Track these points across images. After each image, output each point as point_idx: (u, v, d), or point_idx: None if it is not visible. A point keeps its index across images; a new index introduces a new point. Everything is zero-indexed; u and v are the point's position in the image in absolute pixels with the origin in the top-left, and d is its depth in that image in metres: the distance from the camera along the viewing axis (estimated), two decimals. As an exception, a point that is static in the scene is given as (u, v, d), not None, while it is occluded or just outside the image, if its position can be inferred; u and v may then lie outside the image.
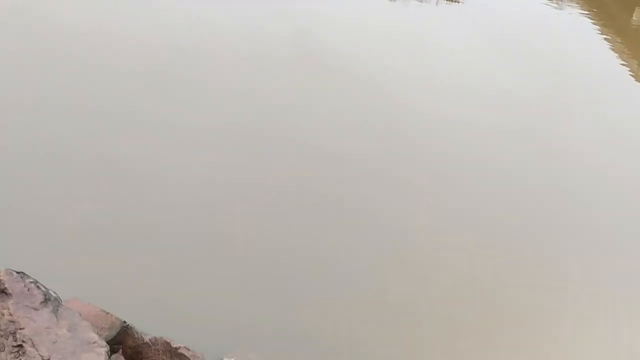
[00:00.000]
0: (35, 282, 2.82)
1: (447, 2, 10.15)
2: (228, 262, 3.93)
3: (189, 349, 3.12)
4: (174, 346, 3.10)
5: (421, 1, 9.88)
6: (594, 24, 9.58)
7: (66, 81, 5.34)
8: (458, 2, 10.27)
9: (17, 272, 2.81)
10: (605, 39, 9.08)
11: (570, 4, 10.26)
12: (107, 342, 2.70)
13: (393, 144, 5.33)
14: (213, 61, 6.19)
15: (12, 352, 2.43)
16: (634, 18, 10.13)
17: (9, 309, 2.60)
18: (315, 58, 6.56)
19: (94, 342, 2.60)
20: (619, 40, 9.02)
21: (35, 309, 2.65)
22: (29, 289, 2.73)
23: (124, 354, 3.09)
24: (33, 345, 2.48)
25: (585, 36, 9.37)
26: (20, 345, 2.48)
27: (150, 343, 3.13)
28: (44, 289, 2.79)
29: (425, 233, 4.45)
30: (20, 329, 2.54)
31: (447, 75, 7.06)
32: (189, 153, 4.72)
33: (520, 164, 5.55)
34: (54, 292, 2.82)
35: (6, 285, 2.69)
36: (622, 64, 8.33)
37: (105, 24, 6.40)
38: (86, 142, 4.59)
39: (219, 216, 4.25)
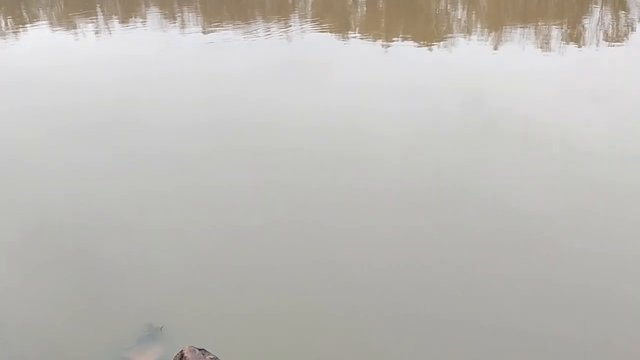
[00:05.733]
0: (216, 358, 3.13)
1: (609, 44, 9.68)
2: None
3: None
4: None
5: (580, 46, 9.52)
6: None
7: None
8: (621, 44, 9.75)
9: (199, 349, 3.15)
10: None
11: None
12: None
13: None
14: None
15: None
16: None
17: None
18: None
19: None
20: None
21: (216, 384, 2.94)
22: (210, 365, 3.03)
23: None
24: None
25: None
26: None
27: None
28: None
29: None
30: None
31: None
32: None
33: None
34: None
35: (189, 362, 3.01)
36: None
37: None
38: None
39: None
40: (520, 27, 11.02)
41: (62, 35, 11.88)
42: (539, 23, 11.17)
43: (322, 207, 4.82)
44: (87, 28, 12.40)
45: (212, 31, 11.61)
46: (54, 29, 12.66)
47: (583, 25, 11.13)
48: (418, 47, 9.97)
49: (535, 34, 10.41)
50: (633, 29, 10.84)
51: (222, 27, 11.97)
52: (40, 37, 11.90)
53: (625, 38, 10.26)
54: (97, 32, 12.02)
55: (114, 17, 14.14)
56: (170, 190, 5.16)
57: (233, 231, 4.47)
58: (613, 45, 9.69)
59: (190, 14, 14.05)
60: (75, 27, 12.56)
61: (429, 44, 10.11)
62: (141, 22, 13.22)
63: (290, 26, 11.80)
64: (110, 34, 11.88)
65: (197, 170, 5.53)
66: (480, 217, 4.60)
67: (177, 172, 5.50)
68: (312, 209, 4.78)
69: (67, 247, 4.40)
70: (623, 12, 12.42)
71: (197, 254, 4.30)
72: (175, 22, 12.88)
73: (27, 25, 13.25)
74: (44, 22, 13.60)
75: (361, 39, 10.70)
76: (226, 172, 5.47)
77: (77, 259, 4.28)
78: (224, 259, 4.27)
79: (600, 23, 11.24)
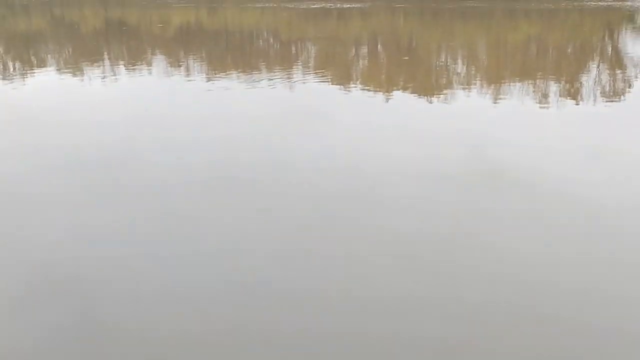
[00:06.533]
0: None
1: (606, 101, 9.81)
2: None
3: None
4: None
5: (577, 102, 9.64)
6: None
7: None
8: (618, 100, 9.87)
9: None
10: None
11: None
12: None
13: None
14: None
15: None
16: None
17: None
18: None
19: None
20: None
21: None
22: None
23: None
24: None
25: None
26: None
27: None
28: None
29: None
30: None
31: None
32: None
33: None
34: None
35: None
36: None
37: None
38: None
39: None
40: (519, 82, 11.21)
41: (68, 79, 12.11)
42: (538, 79, 11.36)
43: (328, 256, 4.77)
44: (93, 73, 12.65)
45: (216, 79, 11.81)
46: (61, 73, 12.90)
47: (581, 82, 11.32)
48: (418, 98, 10.11)
49: (534, 89, 10.57)
50: (630, 86, 11.01)
51: (226, 75, 12.19)
52: (47, 80, 12.13)
53: (622, 95, 10.41)
54: (103, 77, 12.24)
55: (120, 62, 14.43)
56: (171, 231, 5.14)
57: (233, 286, 4.39)
58: (611, 102, 9.82)
59: (195, 62, 14.33)
60: (82, 72, 12.81)
61: (429, 96, 10.26)
62: (147, 68, 13.48)
63: (293, 76, 12.01)
64: (116, 78, 12.10)
65: (199, 211, 5.52)
66: (481, 283, 4.51)
67: (181, 212, 5.49)
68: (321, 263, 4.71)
69: (67, 291, 4.36)
70: (620, 69, 12.66)
71: (197, 300, 4.24)
72: (180, 70, 13.13)
73: (35, 69, 13.52)
74: (51, 66, 13.88)
75: (362, 89, 10.87)
76: (226, 215, 5.46)
77: (76, 306, 4.23)
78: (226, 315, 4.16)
79: (597, 80, 11.43)
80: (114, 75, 12.48)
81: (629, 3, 28.60)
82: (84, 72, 12.84)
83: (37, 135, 7.90)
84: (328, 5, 30.30)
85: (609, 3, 28.76)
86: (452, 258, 4.65)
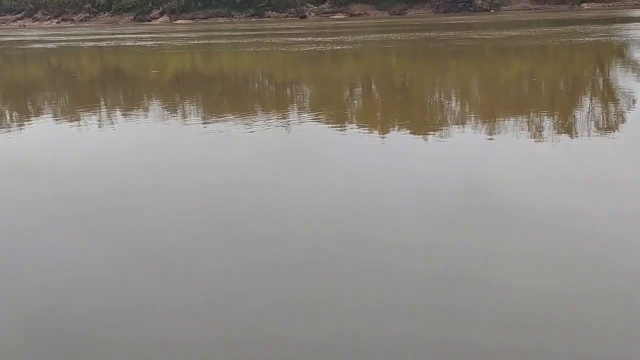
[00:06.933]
0: None
1: (600, 134, 9.87)
2: None
3: None
4: None
5: (572, 137, 9.70)
6: None
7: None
8: (613, 133, 9.94)
9: None
10: None
11: None
12: None
13: None
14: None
15: None
16: None
17: None
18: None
19: None
20: None
21: None
22: None
23: None
24: None
25: None
26: None
27: None
28: None
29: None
30: None
31: None
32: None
33: None
34: None
35: None
36: None
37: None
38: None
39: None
40: (514, 117, 11.29)
41: (65, 127, 12.16)
42: (531, 114, 11.45)
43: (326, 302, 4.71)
44: (90, 120, 12.71)
45: (212, 122, 11.88)
46: (58, 120, 12.97)
47: (575, 116, 11.42)
48: (414, 137, 10.16)
49: (529, 124, 10.65)
50: (623, 119, 11.11)
51: (222, 118, 12.26)
52: (44, 128, 12.17)
53: (616, 128, 10.49)
54: (99, 124, 12.31)
55: (117, 109, 14.53)
56: (170, 280, 5.08)
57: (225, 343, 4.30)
58: (605, 135, 9.88)
59: (191, 107, 14.44)
60: (78, 119, 12.87)
61: (424, 134, 10.32)
62: (143, 114, 13.56)
63: (288, 118, 12.09)
64: (112, 125, 12.16)
65: (194, 257, 5.46)
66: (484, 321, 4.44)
67: (178, 259, 5.44)
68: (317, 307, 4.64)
69: (65, 340, 4.28)
70: (612, 102, 12.79)
71: (193, 345, 4.17)
72: (176, 114, 13.21)
73: (32, 117, 13.59)
74: (48, 114, 13.95)
75: (358, 129, 10.93)
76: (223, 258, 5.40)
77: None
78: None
79: (591, 113, 11.53)
80: (110, 122, 12.54)
81: (615, 38, 29.11)
82: (81, 119, 12.91)
83: (32, 185, 7.88)
84: (319, 47, 30.75)
85: (596, 38, 29.27)
86: (451, 300, 4.58)
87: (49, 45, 42.82)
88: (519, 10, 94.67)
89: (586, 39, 29.05)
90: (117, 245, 5.75)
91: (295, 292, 4.79)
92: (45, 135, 11.57)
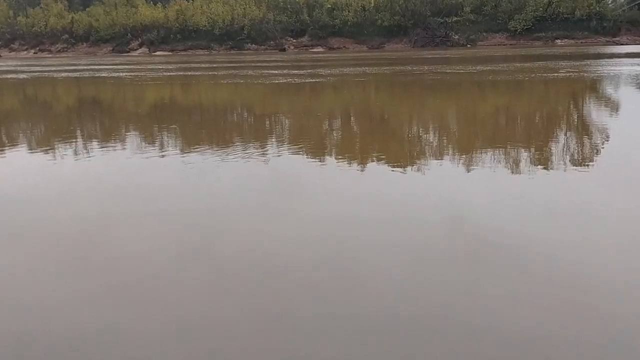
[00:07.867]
0: None
1: (576, 166, 10.00)
2: None
3: None
4: None
5: (548, 170, 9.80)
6: None
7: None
8: (587, 166, 10.08)
9: None
10: None
11: None
12: None
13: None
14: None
15: None
16: None
17: None
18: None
19: None
20: None
21: None
22: None
23: None
24: None
25: None
26: None
27: None
28: None
29: None
30: None
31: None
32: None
33: None
34: None
35: None
36: None
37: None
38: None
39: None
40: (490, 150, 11.40)
41: (41, 157, 11.99)
42: (508, 147, 11.58)
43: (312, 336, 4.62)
44: (66, 151, 12.55)
45: (190, 154, 11.80)
46: (33, 151, 12.78)
47: (550, 149, 11.57)
48: (393, 169, 10.18)
49: (505, 157, 10.75)
50: (597, 152, 11.28)
51: (200, 150, 12.19)
52: (19, 159, 11.98)
53: (591, 161, 10.64)
54: (75, 155, 12.15)
55: (94, 140, 14.39)
56: (151, 317, 4.95)
57: None
58: (580, 168, 10.01)
59: (169, 138, 14.35)
60: (54, 150, 12.70)
61: (404, 166, 10.35)
62: (120, 145, 13.44)
63: (267, 149, 12.07)
64: (89, 156, 12.01)
65: (172, 298, 5.34)
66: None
67: (159, 293, 5.31)
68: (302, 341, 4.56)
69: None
70: (587, 136, 13.01)
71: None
72: (154, 145, 13.11)
73: (6, 148, 13.37)
74: (23, 145, 13.75)
75: (337, 161, 10.93)
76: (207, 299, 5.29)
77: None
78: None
79: (566, 147, 11.70)
80: (87, 152, 12.39)
81: (586, 74, 29.83)
82: (56, 150, 12.74)
83: (9, 214, 7.71)
84: (295, 80, 30.99)
85: (569, 74, 29.96)
86: (440, 339, 4.52)
87: (22, 76, 42.55)
88: (495, 45, 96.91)
89: (555, 74, 29.73)
90: (93, 278, 5.61)
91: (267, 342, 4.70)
92: (20, 165, 11.38)
